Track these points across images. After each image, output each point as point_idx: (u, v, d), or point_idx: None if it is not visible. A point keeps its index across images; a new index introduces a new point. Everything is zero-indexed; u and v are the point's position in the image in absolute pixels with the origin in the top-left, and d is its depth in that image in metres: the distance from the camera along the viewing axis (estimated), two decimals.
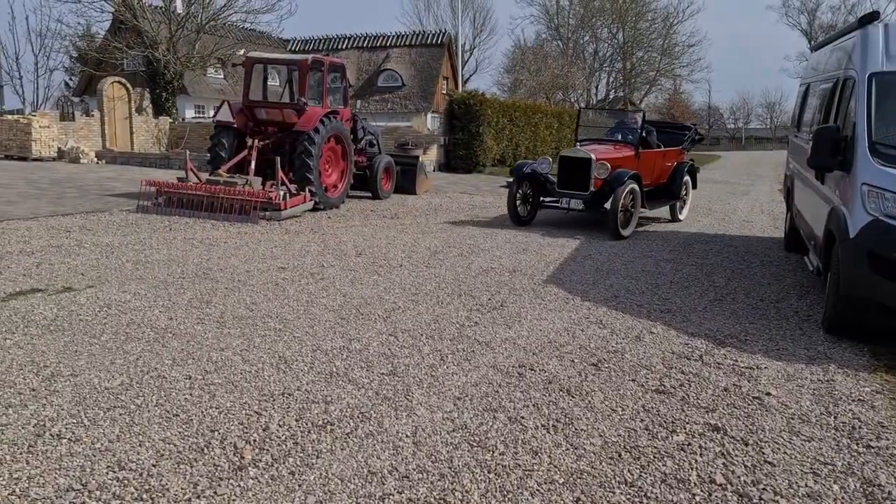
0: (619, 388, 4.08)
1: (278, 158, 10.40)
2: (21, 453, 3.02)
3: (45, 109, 25.92)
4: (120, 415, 3.44)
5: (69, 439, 3.17)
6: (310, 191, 10.75)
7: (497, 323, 5.30)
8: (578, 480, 3.02)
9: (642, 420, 3.65)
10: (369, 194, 13.15)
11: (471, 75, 55.82)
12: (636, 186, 9.82)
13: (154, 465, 2.98)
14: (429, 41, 41.19)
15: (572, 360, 4.52)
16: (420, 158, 15.34)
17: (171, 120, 25.27)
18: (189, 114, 33.60)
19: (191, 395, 3.72)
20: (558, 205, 10.35)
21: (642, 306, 5.97)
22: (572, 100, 46.48)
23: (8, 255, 6.90)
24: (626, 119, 12.66)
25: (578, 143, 11.07)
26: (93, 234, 8.28)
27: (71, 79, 41.87)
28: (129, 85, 23.38)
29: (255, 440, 3.24)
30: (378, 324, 5.15)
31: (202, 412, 3.51)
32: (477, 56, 58.04)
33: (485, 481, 2.98)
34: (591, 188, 9.88)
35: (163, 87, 26.05)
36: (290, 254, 7.63)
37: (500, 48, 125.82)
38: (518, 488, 2.93)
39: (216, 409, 3.56)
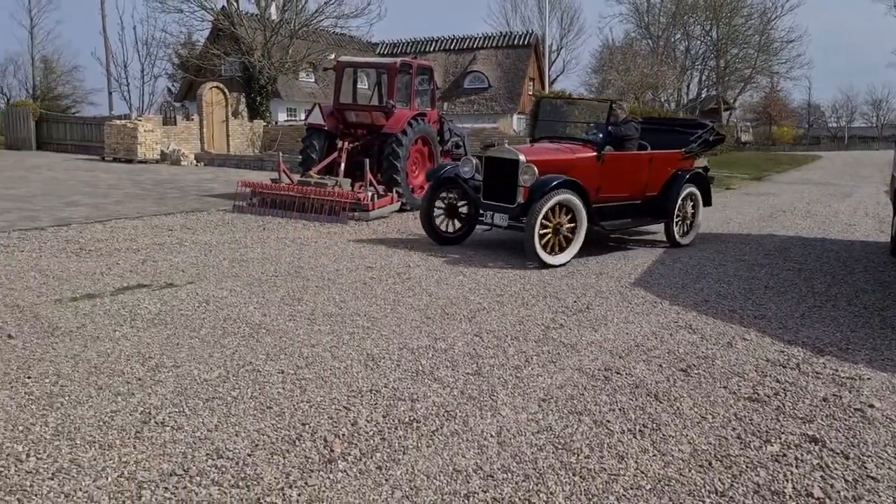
0: (709, 394, 3.98)
1: (367, 160, 10.61)
2: (129, 438, 3.21)
3: (150, 114, 27.31)
4: (218, 405, 3.61)
5: (172, 427, 3.34)
6: (397, 192, 10.93)
7: (583, 325, 5.25)
8: (666, 487, 2.96)
9: (734, 428, 3.54)
10: None
11: (558, 76, 55.36)
12: (571, 198, 7.40)
13: (249, 455, 3.10)
14: (515, 42, 41.10)
15: (660, 365, 4.43)
16: None
17: (264, 123, 26.18)
18: (282, 117, 34.68)
19: (283, 388, 3.86)
20: (483, 220, 8.09)
21: (734, 311, 5.79)
22: (662, 99, 45.42)
23: (117, 252, 7.32)
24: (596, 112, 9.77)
25: (531, 143, 8.97)
26: (192, 233, 8.68)
27: (173, 85, 44.02)
28: (226, 90, 24.37)
29: (344, 434, 3.33)
30: (463, 324, 5.19)
31: (294, 405, 3.64)
32: (564, 56, 57.50)
33: (569, 484, 2.96)
34: (519, 199, 7.54)
35: (257, 92, 27.00)
36: (377, 254, 7.78)
37: (588, 48, 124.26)
38: (603, 492, 2.90)
39: (307, 403, 3.68)
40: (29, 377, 3.86)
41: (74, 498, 2.71)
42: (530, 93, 38.66)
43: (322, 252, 7.81)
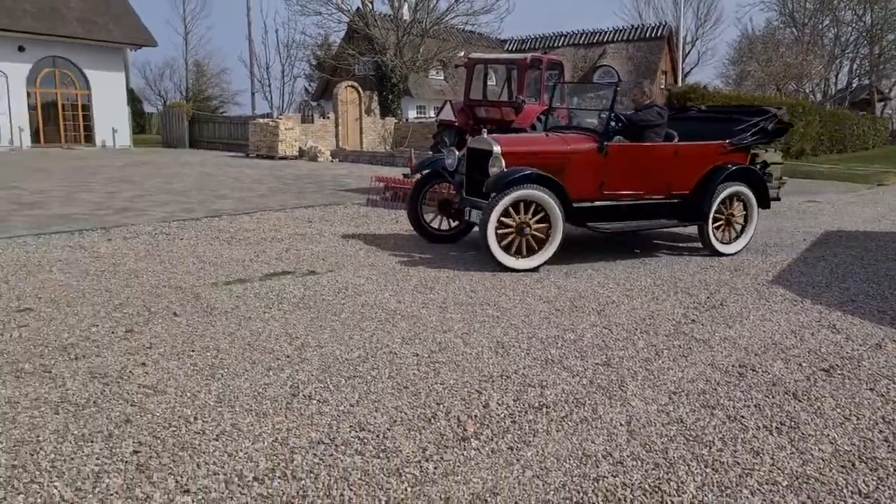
0: (854, 396, 3.81)
1: None
2: (280, 409, 3.49)
3: (289, 113, 28.77)
4: (358, 383, 3.84)
5: (318, 400, 3.60)
6: None
7: (716, 322, 5.14)
8: (804, 485, 2.90)
9: (881, 431, 3.39)
10: None
11: (692, 68, 53.34)
12: (538, 193, 6.53)
13: (388, 429, 3.30)
14: (647, 35, 40.03)
15: (799, 364, 4.28)
16: None
17: (395, 120, 26.93)
18: (412, 114, 35.51)
19: (418, 370, 4.05)
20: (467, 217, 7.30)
21: (885, 313, 5.46)
22: (807, 90, 42.79)
23: (263, 241, 7.85)
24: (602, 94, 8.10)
25: (545, 133, 7.81)
26: (330, 225, 9.15)
27: (310, 84, 46.08)
28: (359, 88, 25.28)
29: (476, 415, 3.47)
30: (592, 316, 5.21)
31: (429, 387, 3.82)
32: (699, 48, 55.38)
33: (701, 475, 2.96)
34: None
35: (389, 90, 27.83)
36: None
37: (726, 38, 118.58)
38: (737, 485, 2.88)
39: (441, 384, 3.85)
40: (193, 350, 4.27)
41: (236, 457, 3.00)
42: (662, 86, 37.52)
43: (453, 244, 8.01)
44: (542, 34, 43.14)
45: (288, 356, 4.23)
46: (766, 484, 2.89)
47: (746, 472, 2.99)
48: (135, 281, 5.91)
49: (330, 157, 21.66)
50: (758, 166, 8.30)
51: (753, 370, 4.16)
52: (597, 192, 7.15)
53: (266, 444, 3.13)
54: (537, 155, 6.97)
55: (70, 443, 3.07)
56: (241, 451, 3.06)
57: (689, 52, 51.83)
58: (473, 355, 4.32)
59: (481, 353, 4.37)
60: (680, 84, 30.21)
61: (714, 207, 7.47)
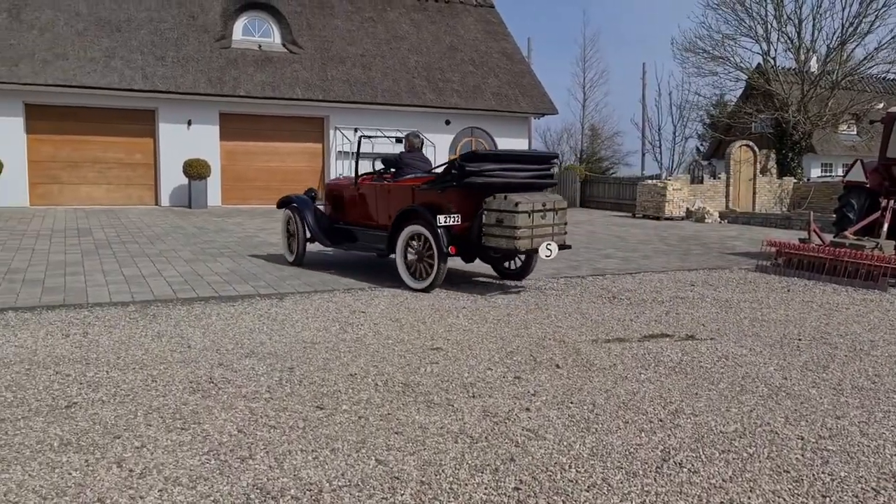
0: None
1: None
2: (650, 471, 3.55)
3: (678, 174, 28.59)
4: (733, 458, 3.71)
5: (689, 469, 3.58)
6: None
7: None
8: None
9: None
10: None
11: None
12: (290, 213, 9.89)
13: None
14: None
15: None
16: None
17: (794, 180, 25.00)
18: (814, 173, 32.61)
19: (802, 455, 3.76)
20: None
21: None
22: None
23: (643, 303, 7.98)
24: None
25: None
26: (713, 289, 8.89)
27: (702, 144, 45.26)
28: (755, 147, 24.10)
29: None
30: None
31: (813, 475, 3.52)
32: None
33: None
34: None
35: (789, 148, 26.00)
36: None
37: None
38: None
39: (828, 475, 3.52)
40: (571, 402, 4.56)
41: None
42: None
43: (854, 320, 7.19)
44: None
45: (661, 420, 4.26)
46: None
47: None
48: (524, 331, 6.50)
49: (718, 219, 20.93)
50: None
51: None
52: (344, 217, 9.89)
53: None
54: (336, 187, 10.05)
55: (465, 470, 3.54)
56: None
57: None
58: (872, 448, 3.86)
59: (882, 446, 3.88)
60: None
61: (399, 245, 8.41)
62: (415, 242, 8.33)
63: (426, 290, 8.18)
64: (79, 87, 19.23)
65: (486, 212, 7.94)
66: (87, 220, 15.82)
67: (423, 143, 9.79)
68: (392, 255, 8.65)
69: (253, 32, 22.58)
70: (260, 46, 22.29)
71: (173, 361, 5.27)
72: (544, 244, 7.85)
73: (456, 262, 9.05)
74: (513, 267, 9.21)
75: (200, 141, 21.05)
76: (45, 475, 3.35)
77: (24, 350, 5.50)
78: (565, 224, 8.33)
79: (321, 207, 9.99)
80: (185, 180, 20.46)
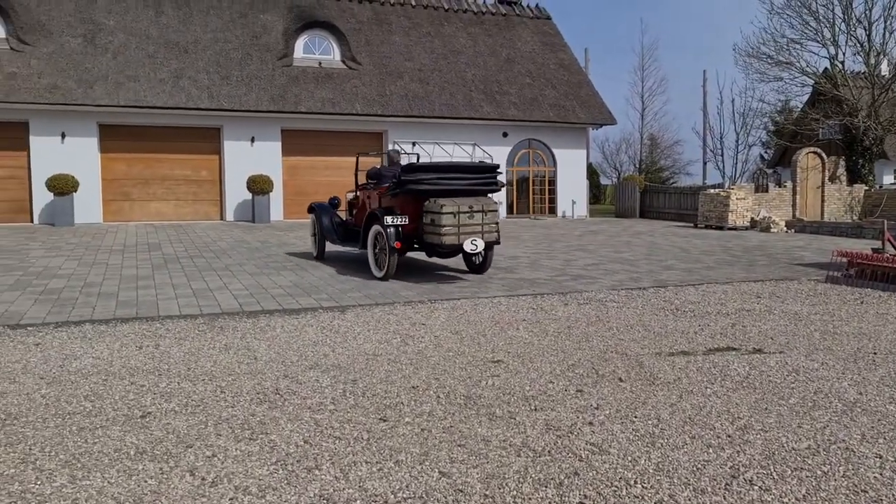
0: None
1: None
2: (719, 489, 3.48)
3: (742, 182, 27.91)
4: (806, 476, 3.60)
5: (760, 487, 3.49)
6: None
7: None
8: None
9: None
10: None
11: None
12: (313, 217, 12.10)
13: None
14: None
15: None
16: None
17: (865, 187, 24.15)
18: (887, 179, 31.43)
19: (881, 474, 3.62)
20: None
21: None
22: None
23: (707, 315, 7.81)
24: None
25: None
26: (781, 301, 8.64)
27: (766, 152, 44.07)
28: (822, 154, 23.37)
29: None
30: None
31: (893, 495, 3.39)
32: None
33: None
34: None
35: (860, 154, 25.15)
36: None
37: None
38: None
39: None
40: (635, 417, 4.50)
41: None
42: None
43: None
44: None
45: (729, 436, 4.17)
46: None
47: None
48: (586, 344, 6.44)
49: (784, 228, 20.34)
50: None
51: None
52: (352, 221, 11.96)
53: None
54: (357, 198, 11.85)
55: (528, 484, 3.53)
56: None
57: None
58: None
59: None
60: None
61: (369, 240, 10.17)
62: (378, 239, 9.96)
63: (383, 278, 9.78)
64: (149, 107, 19.99)
65: (424, 213, 9.44)
66: (157, 235, 16.38)
67: (400, 157, 11.71)
68: (364, 249, 10.37)
69: (314, 50, 23.08)
70: (320, 63, 22.76)
71: (241, 373, 5.41)
72: (469, 240, 9.21)
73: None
74: (477, 262, 10.57)
75: (263, 157, 21.59)
76: (122, 482, 3.49)
77: (101, 361, 5.72)
78: (496, 223, 9.64)
79: (341, 214, 12.15)
80: (248, 195, 21.00)
